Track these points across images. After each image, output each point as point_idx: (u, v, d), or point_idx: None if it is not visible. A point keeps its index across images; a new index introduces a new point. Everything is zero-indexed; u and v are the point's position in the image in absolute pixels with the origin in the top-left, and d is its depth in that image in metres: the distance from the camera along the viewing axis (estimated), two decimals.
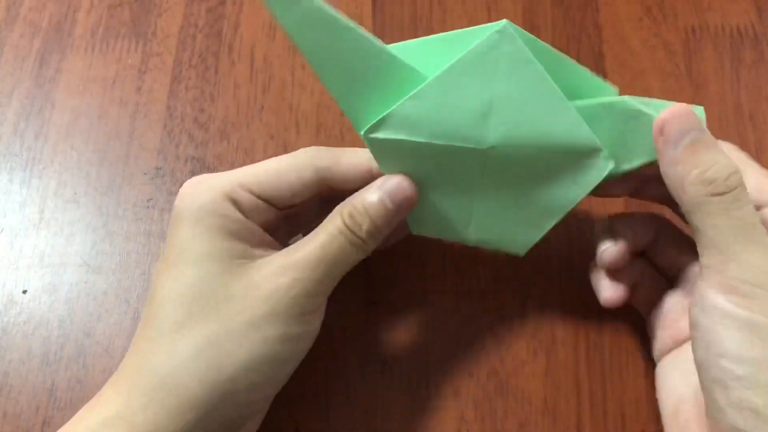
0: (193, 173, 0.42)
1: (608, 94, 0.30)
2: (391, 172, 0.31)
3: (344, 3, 0.47)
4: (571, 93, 0.29)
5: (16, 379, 0.38)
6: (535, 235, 0.32)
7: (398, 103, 0.28)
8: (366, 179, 0.31)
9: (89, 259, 0.41)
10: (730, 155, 0.27)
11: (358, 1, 0.47)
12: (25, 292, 0.40)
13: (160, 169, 0.43)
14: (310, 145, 0.43)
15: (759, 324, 0.24)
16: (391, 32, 0.46)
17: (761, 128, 0.42)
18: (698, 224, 0.26)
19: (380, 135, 0.29)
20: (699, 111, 0.28)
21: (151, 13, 0.47)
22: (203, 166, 0.43)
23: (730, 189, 0.25)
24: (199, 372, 0.28)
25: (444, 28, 0.46)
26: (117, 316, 0.39)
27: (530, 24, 0.45)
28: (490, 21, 0.46)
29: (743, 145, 0.42)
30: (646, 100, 0.29)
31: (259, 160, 0.43)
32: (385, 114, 0.29)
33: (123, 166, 0.43)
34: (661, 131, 0.26)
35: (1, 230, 0.42)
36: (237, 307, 0.29)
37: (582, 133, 0.28)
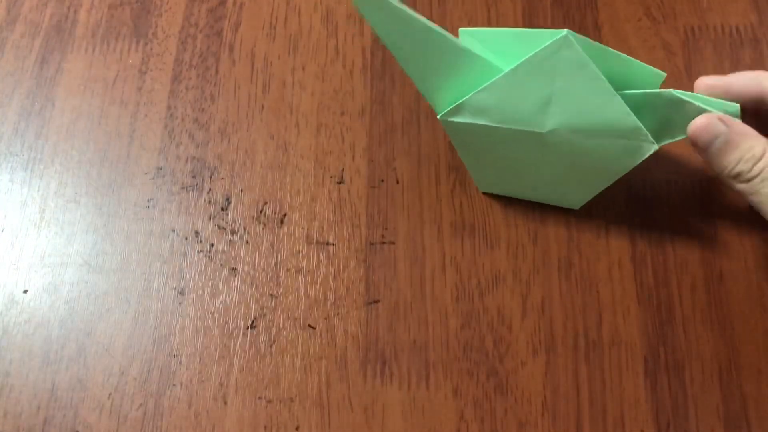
0: (194, 173, 0.43)
1: (657, 79, 0.35)
2: (462, 149, 0.37)
3: (344, 3, 0.47)
4: (624, 83, 0.33)
5: (17, 379, 0.38)
6: (588, 195, 0.38)
7: (471, 94, 0.33)
8: None
9: (90, 258, 0.41)
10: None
11: None
12: (26, 291, 0.40)
13: (160, 169, 0.43)
14: (310, 145, 0.43)
15: None
16: None
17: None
18: (754, 199, 0.32)
19: (455, 119, 0.35)
20: (733, 109, 0.32)
21: (152, 14, 0.47)
22: (204, 166, 0.43)
23: (756, 175, 0.32)
24: None
25: (444, 28, 0.46)
26: (117, 315, 0.39)
27: (530, 24, 0.45)
28: (490, 21, 0.46)
29: None
30: (688, 93, 0.33)
31: (259, 160, 0.43)
32: (460, 102, 0.34)
33: (123, 166, 0.43)
34: (694, 142, 0.32)
35: (2, 230, 0.42)
36: None
37: (629, 121, 0.32)
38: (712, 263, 0.39)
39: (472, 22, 0.46)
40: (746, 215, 0.40)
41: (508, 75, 0.32)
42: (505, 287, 0.39)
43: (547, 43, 0.31)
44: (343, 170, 0.42)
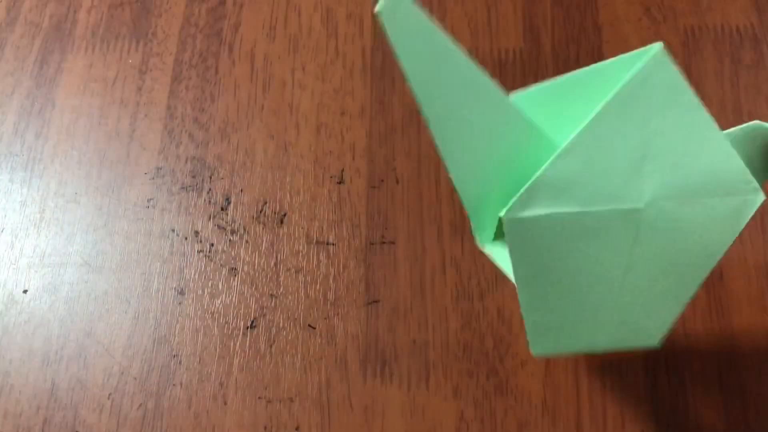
0: (194, 173, 0.43)
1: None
2: (526, 277, 0.25)
3: (344, 3, 0.47)
4: None
5: (16, 379, 0.38)
6: (672, 315, 0.27)
7: (544, 167, 0.23)
8: None
9: (90, 258, 0.41)
10: None
11: (358, 2, 0.47)
12: (25, 291, 0.40)
13: (160, 169, 0.43)
14: (309, 145, 0.43)
15: None
16: None
17: None
18: None
19: (530, 213, 0.23)
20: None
21: (152, 14, 0.47)
22: (204, 166, 0.43)
23: None
24: None
25: (444, 29, 0.46)
26: (117, 315, 0.39)
27: (530, 24, 0.45)
28: (489, 21, 0.46)
29: None
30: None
31: (259, 160, 0.43)
32: (530, 183, 0.23)
33: (123, 166, 0.43)
34: None
35: (2, 230, 0.42)
36: None
37: (734, 165, 0.24)
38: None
39: (472, 22, 0.46)
40: None
41: (593, 123, 0.23)
42: (505, 287, 0.39)
43: (638, 67, 0.23)
44: (343, 170, 0.42)
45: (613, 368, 0.37)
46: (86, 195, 0.42)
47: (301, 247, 0.40)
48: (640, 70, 0.23)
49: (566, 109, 0.25)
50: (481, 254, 0.39)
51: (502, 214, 0.23)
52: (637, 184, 0.24)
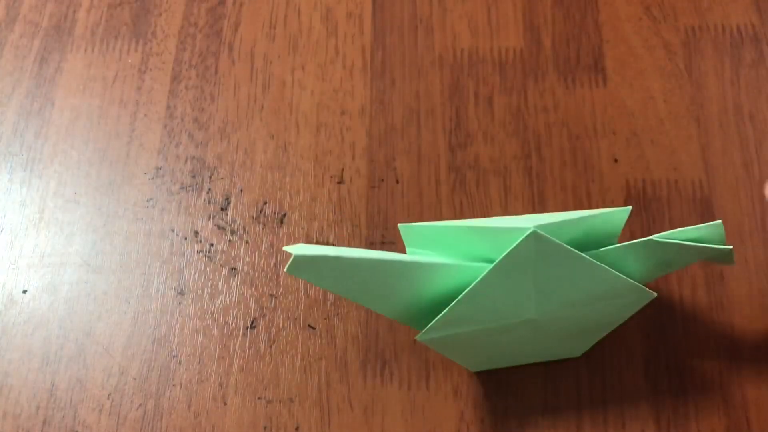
0: (193, 173, 0.42)
1: (622, 215, 0.33)
2: (447, 351, 0.34)
3: (344, 2, 0.47)
4: (596, 236, 0.33)
5: (16, 379, 0.38)
6: (589, 343, 0.36)
7: (447, 310, 0.30)
8: None
9: (89, 258, 0.41)
10: None
11: (358, 1, 0.47)
12: (25, 291, 0.40)
13: (160, 168, 0.43)
14: (309, 145, 0.43)
15: None
16: (391, 32, 0.46)
17: (761, 128, 0.42)
18: None
19: (435, 335, 0.32)
20: (718, 233, 0.32)
21: (151, 13, 0.47)
22: (203, 166, 0.43)
23: None
24: None
25: (444, 28, 0.46)
26: (117, 315, 0.39)
27: (530, 24, 0.45)
28: (490, 20, 0.46)
29: (743, 145, 0.42)
30: (666, 234, 0.32)
31: (259, 160, 0.43)
32: (434, 322, 0.31)
33: (123, 165, 0.43)
34: None
35: (1, 230, 0.42)
36: None
37: (625, 284, 0.31)
38: (712, 263, 0.39)
39: (472, 22, 0.46)
40: (747, 215, 0.40)
41: (480, 284, 0.30)
42: None
43: (516, 244, 0.29)
44: (343, 170, 0.42)
45: (614, 368, 0.37)
46: (86, 195, 0.42)
47: None
48: (518, 246, 0.29)
49: (457, 244, 0.32)
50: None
51: (417, 337, 0.32)
52: (528, 307, 0.31)
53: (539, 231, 0.29)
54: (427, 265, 0.30)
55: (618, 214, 0.33)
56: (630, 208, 0.33)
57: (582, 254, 0.30)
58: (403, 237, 0.34)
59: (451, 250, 0.32)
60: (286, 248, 0.29)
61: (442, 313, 0.31)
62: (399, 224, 0.33)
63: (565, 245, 0.29)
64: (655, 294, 0.32)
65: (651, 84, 0.43)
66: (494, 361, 0.36)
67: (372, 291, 0.30)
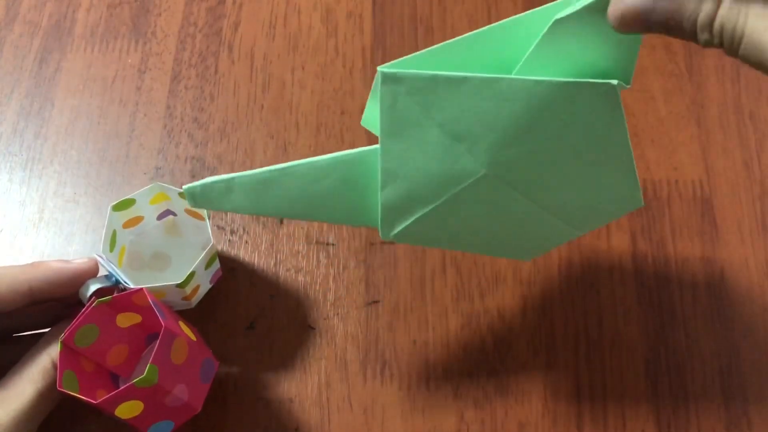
0: (193, 173, 0.42)
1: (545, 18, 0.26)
2: (451, 245, 0.31)
3: (344, 2, 0.47)
4: (514, 54, 0.26)
5: None
6: (633, 183, 0.28)
7: (379, 199, 0.28)
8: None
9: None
10: None
11: (358, 1, 0.47)
12: None
13: (159, 168, 0.43)
14: (309, 145, 0.43)
15: None
16: (391, 31, 0.46)
17: (761, 128, 0.42)
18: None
19: (395, 231, 0.29)
20: None
21: (151, 13, 0.47)
22: (203, 166, 0.43)
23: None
24: None
25: (444, 28, 0.46)
26: None
27: None
28: (490, 20, 0.46)
29: (743, 145, 0.42)
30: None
31: (259, 160, 0.43)
32: (381, 217, 0.28)
33: (123, 165, 0.43)
34: (625, 25, 0.22)
35: (1, 230, 0.42)
36: None
37: (542, 86, 0.24)
38: (713, 263, 0.39)
39: (472, 22, 0.46)
40: (748, 215, 0.40)
41: (384, 153, 0.27)
42: (505, 287, 0.39)
43: (378, 96, 0.25)
44: None
45: (614, 368, 0.37)
46: (85, 195, 0.42)
47: (300, 248, 0.40)
48: (381, 100, 0.25)
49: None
50: (481, 255, 0.39)
51: (381, 237, 0.29)
52: (463, 163, 0.26)
53: (385, 69, 0.24)
54: (345, 156, 0.27)
55: (530, 22, 0.26)
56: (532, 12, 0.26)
57: (461, 74, 0.24)
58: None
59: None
60: (185, 186, 0.29)
61: (380, 205, 0.28)
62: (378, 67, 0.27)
63: (427, 73, 0.24)
64: (614, 82, 0.25)
65: (651, 84, 0.43)
66: (531, 244, 0.32)
67: (298, 202, 0.28)
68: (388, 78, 0.25)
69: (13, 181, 0.43)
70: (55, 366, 0.31)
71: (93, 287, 0.32)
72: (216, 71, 0.45)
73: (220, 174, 0.42)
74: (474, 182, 0.26)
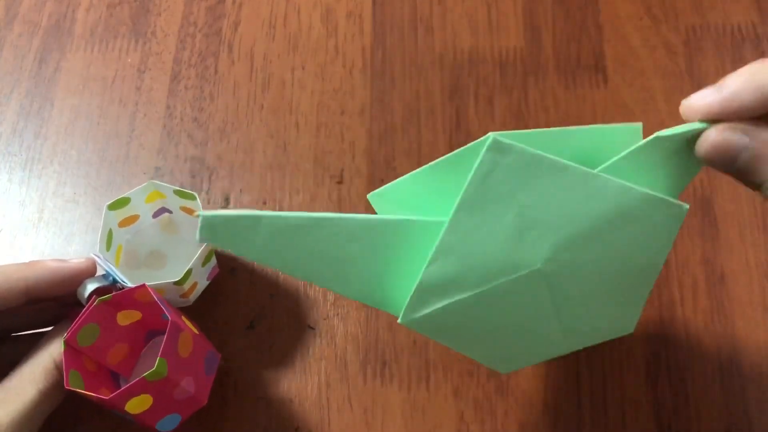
0: (192, 173, 0.42)
1: (635, 133, 0.27)
2: (455, 342, 0.28)
3: (344, 1, 0.47)
4: (597, 157, 0.26)
5: None
6: (637, 309, 0.29)
7: (421, 274, 0.25)
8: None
9: None
10: None
11: (358, 1, 0.47)
12: None
13: (159, 168, 0.43)
14: (309, 145, 0.43)
15: None
16: (391, 32, 0.46)
17: None
18: None
19: (421, 313, 0.26)
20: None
21: (151, 12, 0.47)
22: (203, 166, 0.42)
23: None
24: None
25: (444, 28, 0.45)
26: None
27: (531, 23, 0.45)
28: (490, 20, 0.46)
29: None
30: (671, 129, 0.26)
31: (258, 160, 0.43)
32: (413, 290, 0.25)
33: (122, 165, 0.43)
34: (711, 164, 0.25)
35: (1, 230, 0.42)
36: None
37: (633, 194, 0.25)
38: (713, 263, 0.39)
39: (472, 22, 0.46)
40: (748, 215, 0.40)
41: (452, 225, 0.24)
42: None
43: (477, 163, 0.24)
44: (343, 170, 0.42)
45: (614, 369, 0.37)
46: (85, 195, 0.42)
47: None
48: (479, 166, 0.24)
49: (429, 197, 0.26)
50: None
51: (400, 320, 0.26)
52: (525, 254, 0.25)
53: (499, 137, 0.23)
54: (385, 222, 0.25)
55: (625, 132, 0.26)
56: (640, 124, 0.27)
57: (565, 162, 0.24)
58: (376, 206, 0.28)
59: (429, 205, 0.26)
60: (202, 213, 0.24)
61: (417, 281, 0.25)
62: (368, 195, 0.28)
63: (539, 153, 0.24)
64: (686, 205, 0.26)
65: (652, 83, 0.43)
66: (521, 353, 0.29)
67: (320, 263, 0.25)
68: (498, 146, 0.23)
69: (13, 181, 0.43)
70: (56, 366, 0.31)
71: (91, 287, 0.32)
72: (216, 71, 0.45)
73: (220, 174, 0.42)
74: (525, 275, 0.25)
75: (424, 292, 0.25)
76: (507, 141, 0.23)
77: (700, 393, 0.36)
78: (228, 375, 0.37)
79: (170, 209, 0.39)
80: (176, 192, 0.36)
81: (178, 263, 0.39)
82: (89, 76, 0.45)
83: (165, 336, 0.30)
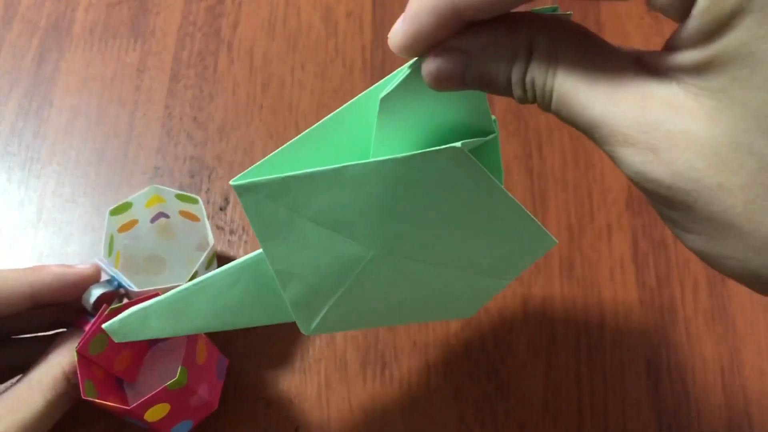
0: (192, 173, 0.42)
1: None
2: (360, 326, 0.30)
3: (344, 1, 0.47)
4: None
5: None
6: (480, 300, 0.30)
7: (286, 298, 0.26)
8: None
9: (87, 259, 0.40)
10: None
11: (358, 1, 0.47)
12: None
13: (158, 168, 0.42)
14: None
15: None
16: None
17: None
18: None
19: (313, 324, 0.27)
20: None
21: (150, 12, 0.47)
22: (202, 166, 0.42)
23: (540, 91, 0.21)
24: None
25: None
26: None
27: None
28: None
29: None
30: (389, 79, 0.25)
31: (258, 160, 0.43)
32: (295, 312, 0.27)
33: (121, 165, 0.43)
34: (438, 88, 0.22)
35: (0, 230, 0.42)
36: None
37: (388, 165, 0.24)
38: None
39: None
40: None
41: (269, 256, 0.26)
42: (505, 288, 0.39)
43: (244, 208, 0.24)
44: None
45: (615, 368, 0.37)
46: (84, 195, 0.42)
47: None
48: (246, 211, 0.24)
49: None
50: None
51: (304, 332, 0.28)
52: (351, 247, 0.25)
53: (235, 183, 0.24)
54: (247, 264, 0.26)
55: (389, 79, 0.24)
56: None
57: (312, 170, 0.24)
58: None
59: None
60: (105, 326, 0.28)
61: (288, 305, 0.27)
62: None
63: (278, 176, 0.24)
64: (458, 144, 0.23)
65: None
66: (385, 317, 0.31)
67: (218, 315, 0.28)
68: (242, 189, 0.24)
69: (12, 181, 0.43)
70: (65, 377, 0.31)
71: (96, 293, 0.32)
72: (215, 71, 0.45)
73: (220, 174, 0.42)
74: (368, 264, 0.26)
75: (300, 310, 0.27)
76: (245, 182, 0.24)
77: (701, 394, 0.36)
78: (228, 375, 0.37)
79: (168, 213, 0.39)
80: (177, 196, 0.36)
81: (176, 268, 0.39)
82: (88, 75, 0.45)
83: (185, 344, 0.31)
